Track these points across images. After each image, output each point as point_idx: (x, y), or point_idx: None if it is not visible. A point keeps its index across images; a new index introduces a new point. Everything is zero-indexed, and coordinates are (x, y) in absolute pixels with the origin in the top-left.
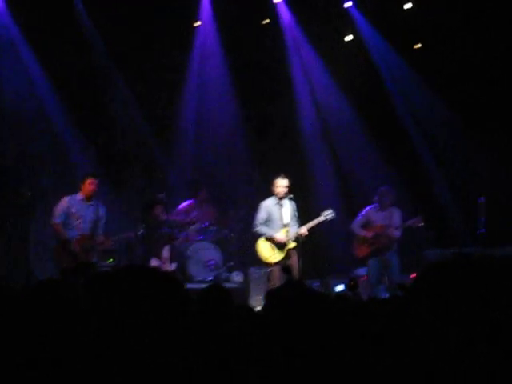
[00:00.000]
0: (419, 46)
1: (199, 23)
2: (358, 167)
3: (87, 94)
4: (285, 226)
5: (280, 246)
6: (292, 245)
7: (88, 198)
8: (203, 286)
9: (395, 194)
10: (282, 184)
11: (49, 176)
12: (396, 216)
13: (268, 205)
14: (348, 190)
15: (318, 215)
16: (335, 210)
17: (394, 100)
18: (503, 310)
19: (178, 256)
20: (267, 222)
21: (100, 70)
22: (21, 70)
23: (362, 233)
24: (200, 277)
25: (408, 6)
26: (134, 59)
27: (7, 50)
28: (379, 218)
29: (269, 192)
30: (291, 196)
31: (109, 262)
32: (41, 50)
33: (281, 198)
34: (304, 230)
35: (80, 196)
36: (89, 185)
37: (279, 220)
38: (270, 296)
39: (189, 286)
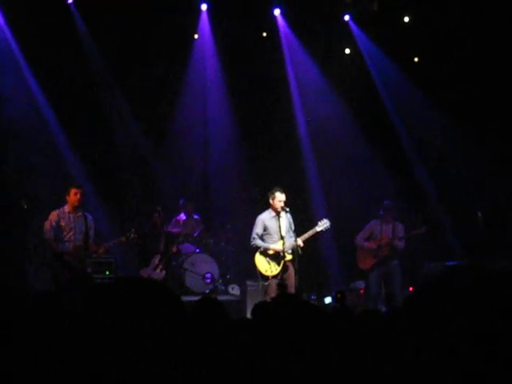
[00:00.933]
0: (417, 59)
1: (197, 36)
2: (356, 179)
3: (85, 107)
4: (282, 238)
5: (277, 259)
6: (289, 257)
7: (75, 209)
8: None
9: (398, 208)
10: (280, 198)
11: (46, 188)
12: (399, 228)
13: (264, 218)
14: (345, 202)
15: (314, 226)
16: (331, 222)
17: (392, 112)
18: (494, 320)
19: (175, 268)
20: (264, 235)
21: (98, 83)
22: (20, 82)
23: (366, 244)
24: (197, 289)
25: (406, 19)
26: (131, 72)
27: (7, 63)
28: (383, 230)
29: (266, 205)
30: (287, 209)
31: (106, 274)
32: (39, 64)
33: (278, 212)
34: (299, 241)
35: (67, 208)
36: (74, 195)
37: (276, 233)
38: (262, 309)
39: (186, 298)
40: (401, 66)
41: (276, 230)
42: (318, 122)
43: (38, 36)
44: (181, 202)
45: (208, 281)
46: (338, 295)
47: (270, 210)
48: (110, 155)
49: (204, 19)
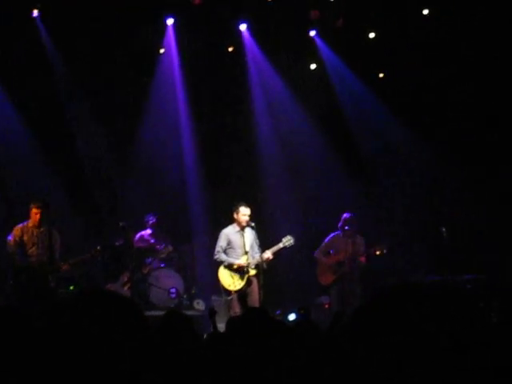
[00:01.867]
0: (382, 75)
1: (163, 50)
2: (321, 193)
3: (50, 119)
4: (246, 253)
5: (240, 273)
6: (252, 272)
7: (37, 226)
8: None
9: (359, 221)
10: (244, 212)
11: (11, 202)
12: (360, 243)
13: (228, 233)
14: (309, 215)
15: (278, 242)
16: (296, 237)
17: (357, 127)
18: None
19: (139, 283)
20: (227, 249)
21: (64, 96)
22: None
23: (325, 260)
24: (162, 304)
25: (371, 35)
26: (98, 85)
27: None
28: (343, 244)
29: (229, 219)
30: (252, 224)
31: (70, 289)
32: (4, 75)
33: (242, 227)
34: (269, 254)
35: (30, 223)
36: (34, 214)
37: (240, 248)
38: (231, 324)
39: (150, 313)
40: (366, 81)
41: (240, 244)
42: (286, 137)
43: (3, 46)
44: (148, 217)
45: (173, 295)
46: (301, 311)
47: (234, 224)
48: (78, 169)
49: (170, 33)
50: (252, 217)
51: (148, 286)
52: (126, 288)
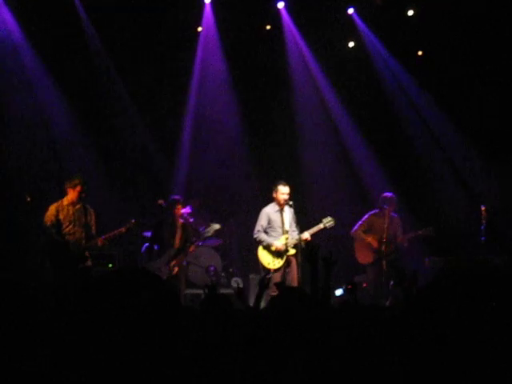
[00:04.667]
0: (421, 53)
1: (201, 29)
2: (360, 174)
3: (90, 102)
4: (285, 232)
5: (279, 252)
6: (292, 251)
7: (74, 203)
8: (203, 291)
9: (398, 202)
10: (284, 191)
11: (50, 182)
12: (397, 224)
13: (269, 212)
14: (351, 196)
15: (319, 222)
16: (336, 215)
17: (394, 107)
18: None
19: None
20: (268, 228)
21: (103, 78)
22: (25, 77)
23: (367, 238)
24: (200, 282)
25: (410, 12)
26: (136, 66)
27: (11, 57)
28: (381, 223)
29: (269, 198)
30: (291, 203)
31: (109, 266)
32: (45, 59)
33: (281, 205)
34: (307, 235)
35: (66, 201)
36: (73, 191)
37: (279, 227)
38: (272, 302)
39: (189, 291)
40: (404, 59)
41: (279, 223)
42: (323, 115)
43: (45, 31)
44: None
45: (211, 274)
46: (349, 286)
47: (274, 203)
48: (115, 149)
49: (208, 12)
50: (291, 195)
51: (186, 264)
52: (170, 266)
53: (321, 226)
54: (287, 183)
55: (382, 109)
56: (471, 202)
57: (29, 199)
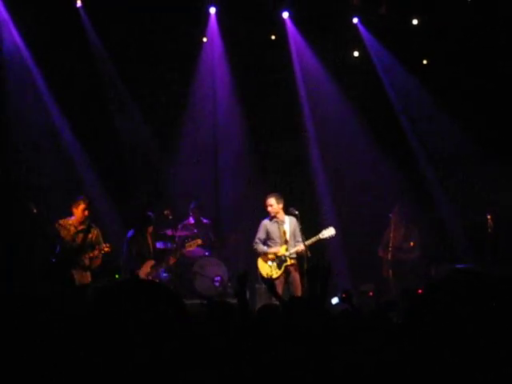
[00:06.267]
0: (426, 61)
1: (206, 39)
2: (365, 182)
3: (94, 110)
4: (285, 242)
5: (278, 262)
6: (290, 262)
7: (80, 223)
8: (209, 301)
9: (411, 210)
10: (267, 203)
11: (56, 192)
12: (413, 232)
13: (266, 223)
14: (355, 202)
15: (319, 232)
16: (339, 225)
17: (400, 114)
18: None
19: (184, 271)
20: (267, 240)
21: (107, 85)
22: (29, 84)
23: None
24: (206, 292)
25: (415, 21)
26: (141, 75)
27: (16, 65)
28: (398, 235)
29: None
30: (296, 212)
31: (116, 277)
32: (47, 65)
33: (272, 217)
34: (302, 246)
35: (71, 220)
36: (81, 211)
37: (278, 238)
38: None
39: (194, 301)
40: (409, 68)
41: (277, 234)
42: (328, 124)
43: (46, 36)
44: (192, 205)
45: (217, 284)
46: (344, 295)
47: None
48: (119, 158)
49: (213, 22)
50: (298, 205)
51: (193, 274)
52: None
53: (319, 236)
54: (273, 195)
55: (389, 118)
56: (479, 209)
57: (35, 210)
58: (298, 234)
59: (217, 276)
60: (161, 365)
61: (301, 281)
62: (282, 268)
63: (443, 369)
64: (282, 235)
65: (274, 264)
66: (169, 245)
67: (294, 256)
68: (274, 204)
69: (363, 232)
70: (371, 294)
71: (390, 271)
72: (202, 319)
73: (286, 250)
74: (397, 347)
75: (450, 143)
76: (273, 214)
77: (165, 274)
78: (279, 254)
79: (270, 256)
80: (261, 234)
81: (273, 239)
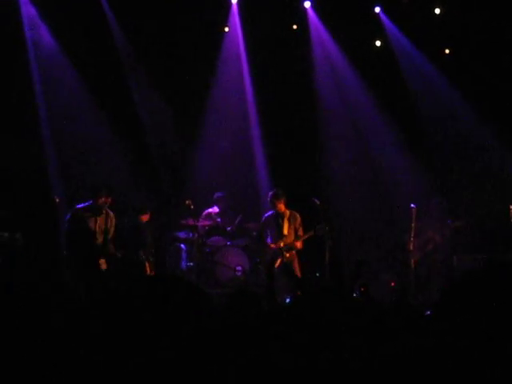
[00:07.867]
0: (448, 51)
1: (228, 29)
2: (387, 173)
3: (117, 99)
4: (283, 237)
5: (274, 256)
6: (287, 255)
7: (99, 211)
8: (230, 290)
9: (444, 204)
10: (278, 200)
11: (78, 182)
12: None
13: (267, 217)
14: (378, 196)
15: (312, 229)
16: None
17: (422, 104)
18: None
19: (206, 261)
20: (267, 233)
21: (129, 75)
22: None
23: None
24: (228, 282)
25: (437, 11)
26: (164, 66)
27: (46, 57)
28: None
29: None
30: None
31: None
32: (75, 57)
33: (278, 211)
34: (299, 243)
35: (92, 208)
36: (103, 202)
37: (277, 232)
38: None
39: (216, 290)
40: (431, 57)
41: (276, 228)
42: (350, 114)
43: (71, 27)
44: (217, 195)
45: (239, 273)
46: (362, 289)
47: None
48: (142, 147)
49: (234, 12)
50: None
51: (214, 263)
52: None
53: (311, 233)
54: (276, 191)
55: (411, 108)
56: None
57: (57, 200)
58: (300, 229)
59: (238, 265)
60: (185, 357)
61: (300, 271)
62: (278, 262)
63: (478, 366)
64: (279, 229)
65: (274, 255)
66: (190, 234)
67: (292, 249)
68: (283, 201)
69: (383, 220)
70: (393, 284)
71: (412, 261)
72: (224, 309)
73: (283, 244)
74: (427, 341)
75: (475, 132)
76: (276, 209)
77: (187, 264)
78: (272, 248)
79: (270, 248)
80: (262, 227)
81: (272, 233)
